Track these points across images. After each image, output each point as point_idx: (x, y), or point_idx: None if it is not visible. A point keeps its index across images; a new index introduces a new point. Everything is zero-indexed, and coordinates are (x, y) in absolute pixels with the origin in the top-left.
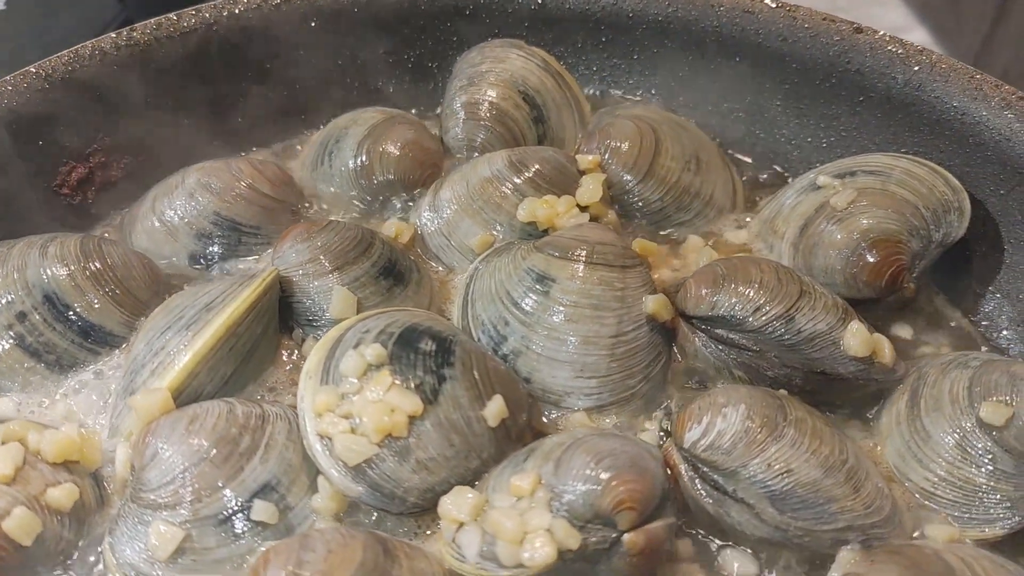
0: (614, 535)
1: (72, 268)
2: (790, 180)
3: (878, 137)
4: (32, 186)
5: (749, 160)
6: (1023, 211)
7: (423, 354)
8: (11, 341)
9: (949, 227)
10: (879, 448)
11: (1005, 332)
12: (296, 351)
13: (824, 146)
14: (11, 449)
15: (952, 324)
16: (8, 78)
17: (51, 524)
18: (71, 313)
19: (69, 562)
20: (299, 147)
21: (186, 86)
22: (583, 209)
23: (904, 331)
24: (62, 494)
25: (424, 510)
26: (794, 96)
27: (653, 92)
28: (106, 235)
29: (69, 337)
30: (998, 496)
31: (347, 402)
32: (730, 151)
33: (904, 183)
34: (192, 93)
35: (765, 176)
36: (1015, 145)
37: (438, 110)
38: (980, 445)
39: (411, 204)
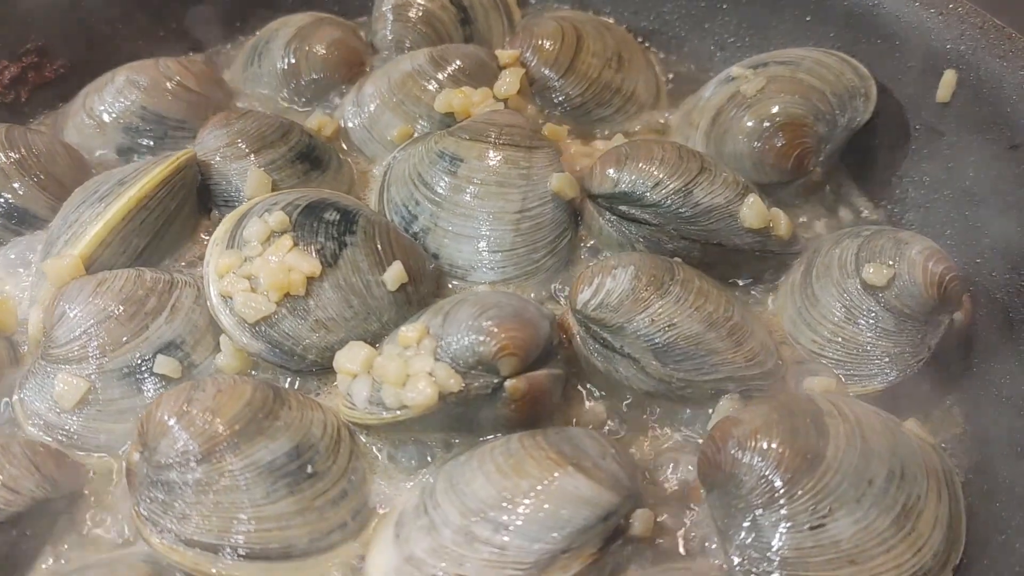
0: (496, 381)
1: None
2: (711, 78)
3: (796, 34)
4: None
5: (674, 59)
6: (930, 97)
7: (326, 223)
8: None
9: (855, 112)
10: (776, 318)
11: (909, 215)
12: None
13: (745, 44)
14: None
15: (860, 209)
16: None
17: None
18: None
19: None
20: (234, 52)
21: None
22: (500, 101)
23: (811, 214)
24: None
25: (325, 369)
26: None
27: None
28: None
29: None
30: (879, 352)
31: (248, 264)
32: (656, 51)
33: (812, 71)
34: None
35: (690, 74)
36: (922, 33)
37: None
38: (864, 306)
39: (337, 102)
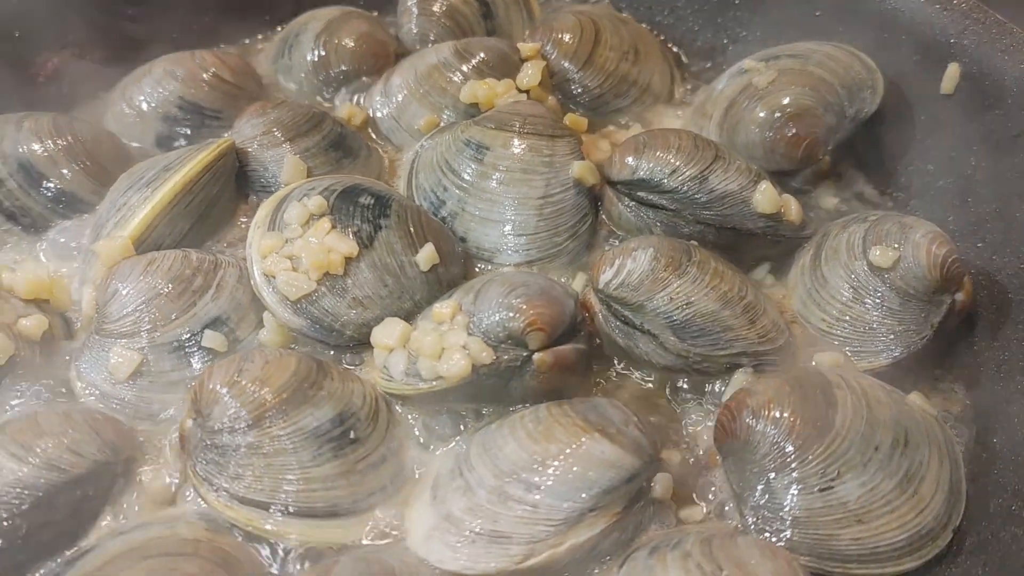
0: (525, 354)
1: (46, 142)
2: (725, 71)
3: (805, 28)
4: (10, 74)
5: (688, 52)
6: (934, 90)
7: (362, 207)
8: None
9: (862, 103)
10: (787, 299)
11: (914, 201)
12: (252, 216)
13: (757, 38)
14: None
15: (866, 195)
16: None
17: (23, 349)
18: (45, 182)
19: (40, 384)
20: (263, 45)
21: None
22: (523, 93)
23: (820, 200)
24: (32, 324)
25: (361, 344)
26: None
27: None
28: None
29: (42, 203)
30: (885, 330)
31: (290, 245)
32: (672, 46)
33: (822, 64)
34: None
35: (699, 68)
36: (926, 29)
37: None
38: (871, 286)
39: (364, 94)
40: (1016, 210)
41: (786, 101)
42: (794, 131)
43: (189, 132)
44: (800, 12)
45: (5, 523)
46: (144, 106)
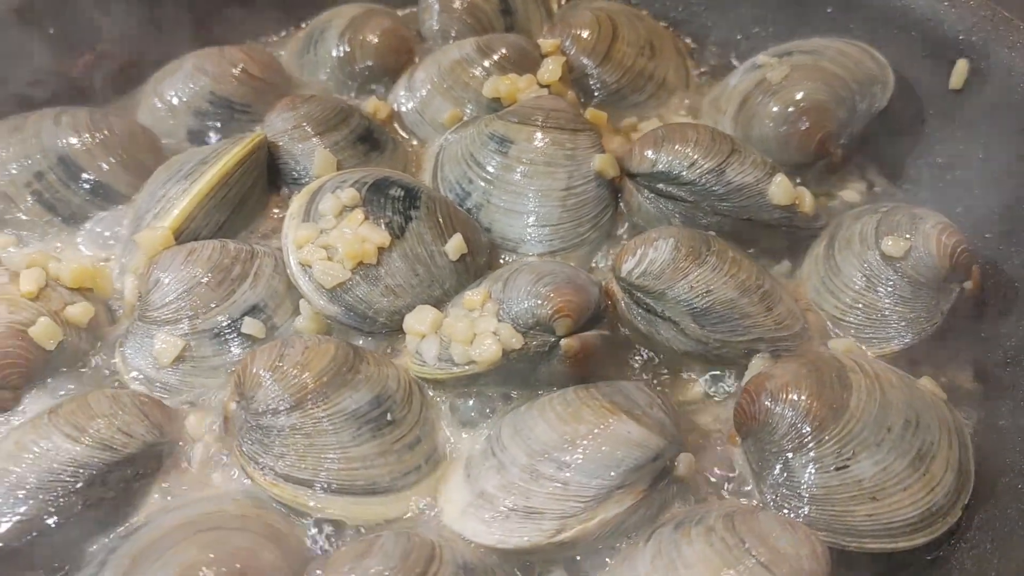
0: (552, 340)
1: (83, 136)
2: (738, 66)
3: (817, 24)
4: (47, 70)
5: (702, 47)
6: (943, 85)
7: (392, 198)
8: (32, 197)
9: (873, 98)
10: (802, 288)
11: (923, 193)
12: (284, 207)
13: (769, 34)
14: (34, 272)
15: (877, 187)
16: None
17: (70, 335)
18: (83, 175)
19: (87, 368)
20: (283, 41)
21: None
22: (544, 87)
23: (832, 192)
24: (79, 311)
25: (393, 331)
26: None
27: None
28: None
29: (81, 195)
30: (896, 317)
31: (324, 236)
32: (686, 40)
33: (835, 60)
34: None
35: (713, 62)
36: (935, 25)
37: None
38: (883, 275)
39: (387, 88)
40: (1023, 202)
41: (799, 96)
42: (807, 125)
43: (219, 125)
44: (812, 8)
45: (61, 500)
46: (175, 101)
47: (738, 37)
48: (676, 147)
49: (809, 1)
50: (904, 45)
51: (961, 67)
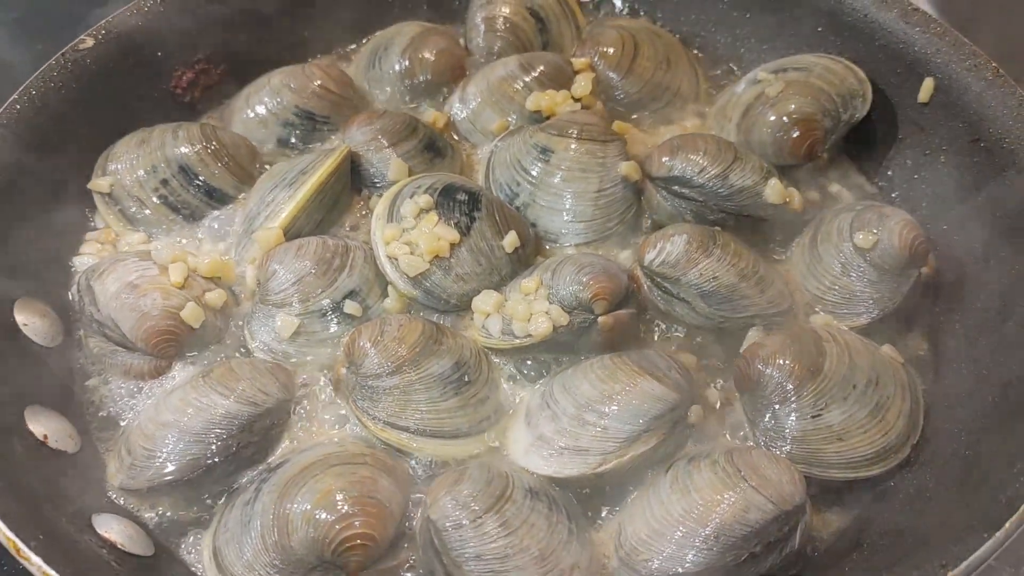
0: (591, 317)
1: (196, 146)
2: (740, 76)
3: (809, 39)
4: (151, 88)
5: (711, 59)
6: (913, 98)
7: (459, 202)
8: (158, 200)
9: (854, 109)
10: (790, 272)
11: (895, 191)
12: (364, 206)
13: (768, 47)
14: (179, 266)
15: (857, 186)
16: (132, 3)
17: (210, 316)
18: (199, 180)
19: (219, 344)
20: (344, 56)
21: (267, 6)
22: (576, 100)
23: (818, 190)
24: (215, 296)
25: (461, 309)
26: (743, 8)
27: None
28: (212, 124)
29: (198, 197)
30: (865, 297)
31: (407, 234)
32: (696, 52)
33: (822, 76)
34: (269, 9)
35: (720, 72)
36: (907, 48)
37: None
38: (855, 263)
39: (443, 99)
40: (971, 198)
41: (792, 108)
42: (798, 133)
43: (303, 135)
44: (805, 27)
45: (220, 442)
46: (265, 112)
47: (742, 51)
48: (689, 155)
49: (802, 20)
50: (882, 63)
51: (928, 84)
